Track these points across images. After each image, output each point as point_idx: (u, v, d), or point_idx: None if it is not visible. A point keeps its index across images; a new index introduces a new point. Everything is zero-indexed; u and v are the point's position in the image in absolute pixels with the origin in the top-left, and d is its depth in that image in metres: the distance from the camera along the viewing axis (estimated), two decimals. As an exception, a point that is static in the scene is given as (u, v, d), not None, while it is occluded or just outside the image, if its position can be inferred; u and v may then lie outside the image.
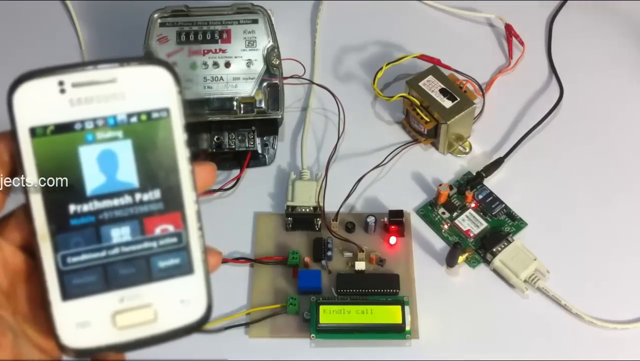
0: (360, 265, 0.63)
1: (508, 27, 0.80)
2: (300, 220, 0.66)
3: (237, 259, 0.65)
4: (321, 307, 0.60)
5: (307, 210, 0.66)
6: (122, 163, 0.33)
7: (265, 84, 0.68)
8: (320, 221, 0.66)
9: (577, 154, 0.72)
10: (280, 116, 0.69)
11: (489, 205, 0.68)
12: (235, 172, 0.70)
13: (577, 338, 0.61)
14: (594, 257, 0.65)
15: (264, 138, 0.72)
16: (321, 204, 0.66)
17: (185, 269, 0.34)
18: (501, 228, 0.67)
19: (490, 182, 0.69)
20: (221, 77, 0.68)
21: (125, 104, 0.32)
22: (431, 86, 0.70)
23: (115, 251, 0.33)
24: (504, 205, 0.68)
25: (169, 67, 0.33)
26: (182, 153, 0.33)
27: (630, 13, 0.83)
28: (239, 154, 0.70)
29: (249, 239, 0.67)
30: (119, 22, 0.82)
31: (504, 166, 0.70)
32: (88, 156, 0.32)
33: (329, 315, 0.60)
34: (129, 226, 0.33)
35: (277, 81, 0.69)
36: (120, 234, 0.33)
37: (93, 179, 0.32)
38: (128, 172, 0.33)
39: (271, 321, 0.61)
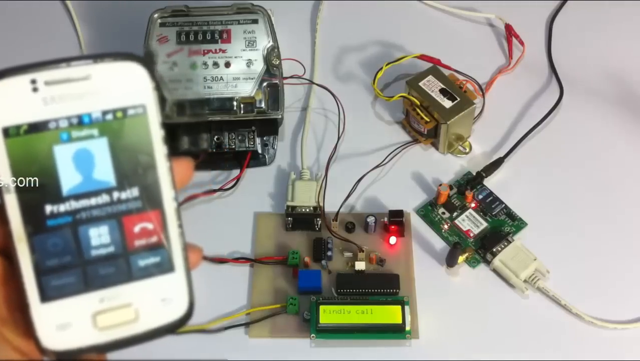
0: (360, 265, 0.63)
1: (508, 27, 0.80)
2: (300, 220, 0.66)
3: (237, 259, 0.65)
4: (321, 307, 0.60)
5: (307, 210, 0.66)
6: (98, 162, 0.32)
7: (265, 84, 0.68)
8: (320, 221, 0.66)
9: (577, 154, 0.72)
10: (280, 116, 0.69)
11: (489, 205, 0.68)
12: (235, 172, 0.70)
13: (577, 338, 0.61)
14: (593, 257, 0.65)
15: (264, 138, 0.72)
16: (321, 204, 0.66)
17: (165, 267, 0.33)
18: (501, 228, 0.67)
19: (490, 182, 0.69)
20: (221, 77, 0.68)
21: (100, 102, 0.32)
22: (431, 86, 0.70)
23: (94, 251, 0.32)
24: (504, 205, 0.68)
25: (144, 62, 0.33)
26: (160, 150, 0.33)
27: (631, 13, 0.83)
28: (239, 154, 0.70)
29: (249, 239, 0.67)
30: (119, 22, 0.82)
31: (504, 166, 0.70)
32: (63, 155, 0.32)
33: (329, 315, 0.60)
34: (107, 225, 0.32)
35: (277, 81, 0.69)
36: (98, 233, 0.32)
37: (69, 179, 0.32)
38: (105, 171, 0.32)
39: (271, 321, 0.61)
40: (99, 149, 0.32)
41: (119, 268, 0.33)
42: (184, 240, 0.34)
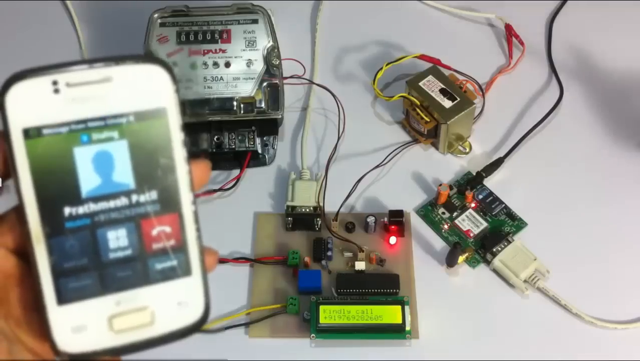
0: (360, 265, 0.63)
1: (508, 27, 0.80)
2: (300, 220, 0.66)
3: (237, 259, 0.65)
4: (321, 307, 0.60)
5: (307, 210, 0.66)
6: (118, 164, 0.32)
7: (265, 84, 0.68)
8: (320, 221, 0.66)
9: (577, 154, 0.72)
10: (280, 116, 0.69)
11: (489, 205, 0.68)
12: (235, 172, 0.70)
13: (577, 338, 0.61)
14: (594, 257, 0.65)
15: (264, 138, 0.72)
16: (321, 204, 0.66)
17: (182, 271, 0.33)
18: (501, 228, 0.67)
19: (490, 182, 0.69)
20: (221, 77, 0.68)
21: (120, 104, 0.32)
22: (431, 86, 0.70)
23: (112, 253, 0.32)
24: (504, 205, 0.68)
25: (166, 65, 0.33)
26: (179, 153, 0.33)
27: (631, 12, 0.83)
28: (239, 154, 0.70)
29: (249, 239, 0.67)
30: (119, 22, 0.82)
31: (504, 166, 0.70)
32: (83, 157, 0.31)
33: (329, 314, 0.60)
34: (125, 228, 0.32)
35: (277, 81, 0.69)
36: (116, 236, 0.32)
37: (88, 181, 0.32)
38: (124, 174, 0.32)
39: (271, 321, 0.61)
40: (119, 151, 0.32)
41: (136, 271, 0.32)
42: (202, 243, 0.34)
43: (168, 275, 0.33)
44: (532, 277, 0.63)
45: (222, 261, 0.65)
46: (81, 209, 0.32)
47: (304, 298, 0.62)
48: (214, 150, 0.69)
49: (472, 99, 0.70)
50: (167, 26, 0.69)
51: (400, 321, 0.60)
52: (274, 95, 0.69)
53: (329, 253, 0.64)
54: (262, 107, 0.68)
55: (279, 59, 0.69)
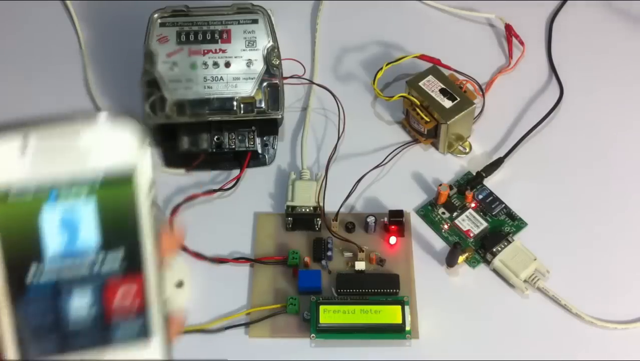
0: (360, 265, 0.63)
1: (508, 27, 0.80)
2: (300, 220, 0.66)
3: (237, 259, 0.65)
4: (321, 307, 0.60)
5: (307, 210, 0.66)
6: (84, 223, 0.31)
7: (265, 84, 0.68)
8: (320, 221, 0.66)
9: (577, 154, 0.72)
10: (280, 116, 0.69)
11: (489, 205, 0.68)
12: (235, 172, 0.70)
13: (577, 338, 0.61)
14: (593, 257, 0.65)
15: (264, 138, 0.72)
16: (321, 204, 0.66)
17: (144, 335, 0.33)
18: (501, 228, 0.67)
19: (490, 182, 0.69)
20: (221, 77, 0.68)
21: (90, 162, 0.31)
22: (431, 86, 0.70)
23: (74, 314, 0.32)
24: (504, 205, 0.68)
25: (137, 123, 0.32)
26: (147, 214, 0.32)
27: (631, 12, 0.83)
28: (239, 154, 0.70)
29: (249, 239, 0.67)
30: (119, 22, 0.82)
31: (504, 166, 0.70)
32: (49, 217, 0.31)
33: (329, 314, 0.60)
34: (89, 289, 0.32)
35: (277, 81, 0.69)
36: (79, 297, 0.32)
37: (54, 241, 0.31)
38: (91, 233, 0.31)
39: (271, 321, 0.61)
40: (86, 210, 0.31)
41: (98, 332, 0.32)
42: (166, 308, 0.33)
43: (130, 338, 0.32)
44: (532, 277, 0.63)
45: (222, 261, 0.65)
46: (45, 269, 0.31)
47: (304, 298, 0.62)
48: (214, 150, 0.69)
49: (472, 99, 0.70)
50: (167, 26, 0.69)
51: (400, 321, 0.60)
52: (274, 95, 0.69)
53: (329, 253, 0.64)
54: (262, 107, 0.68)
55: (279, 59, 0.69)
